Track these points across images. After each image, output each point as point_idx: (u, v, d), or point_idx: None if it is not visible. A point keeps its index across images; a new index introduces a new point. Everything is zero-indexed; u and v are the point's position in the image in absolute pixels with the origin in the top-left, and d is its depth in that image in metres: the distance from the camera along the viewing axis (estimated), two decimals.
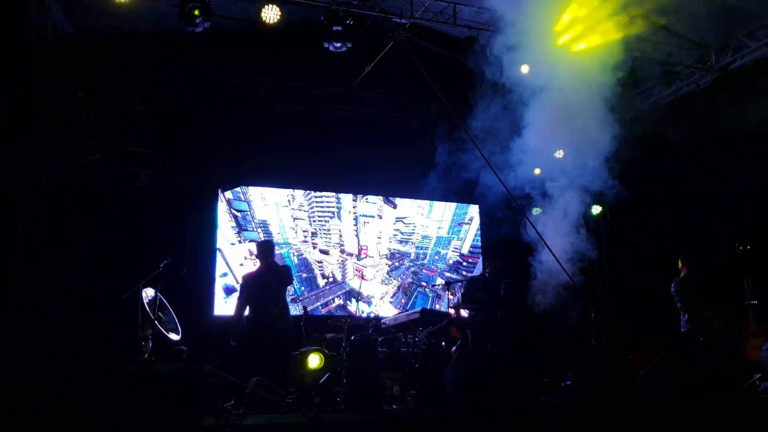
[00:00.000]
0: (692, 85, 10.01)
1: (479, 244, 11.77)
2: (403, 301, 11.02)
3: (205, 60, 9.84)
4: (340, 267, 10.79)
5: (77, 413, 3.99)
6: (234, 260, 10.06)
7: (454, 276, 11.21)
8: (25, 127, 8.03)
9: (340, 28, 8.23)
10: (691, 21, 8.89)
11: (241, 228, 10.26)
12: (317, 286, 10.56)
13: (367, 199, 11.22)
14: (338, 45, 8.29)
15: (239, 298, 7.12)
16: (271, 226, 10.45)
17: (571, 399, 6.19)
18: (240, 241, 10.21)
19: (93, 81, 9.60)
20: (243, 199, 10.37)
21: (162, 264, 6.90)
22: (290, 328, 7.09)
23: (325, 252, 10.75)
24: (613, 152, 8.36)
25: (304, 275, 10.49)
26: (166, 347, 6.80)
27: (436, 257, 11.50)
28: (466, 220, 11.79)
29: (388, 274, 11.08)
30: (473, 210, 11.84)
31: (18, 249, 7.60)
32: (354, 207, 11.11)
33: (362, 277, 10.82)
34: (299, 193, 10.74)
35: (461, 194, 10.81)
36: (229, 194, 10.28)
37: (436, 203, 11.63)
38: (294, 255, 10.41)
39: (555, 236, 8.08)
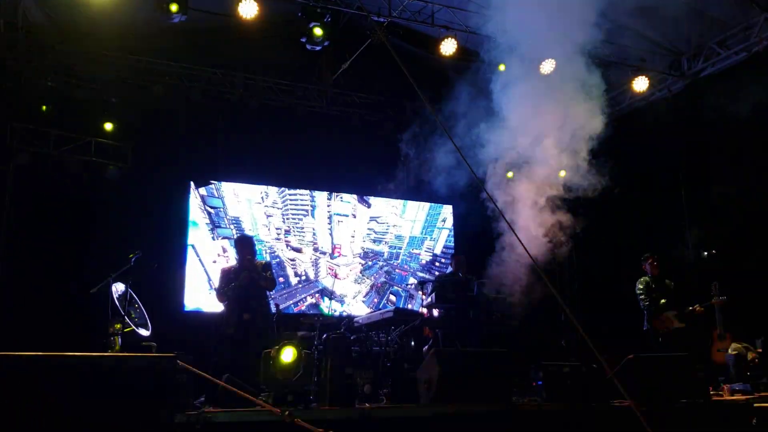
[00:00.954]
0: (664, 91, 10.19)
1: (452, 244, 11.81)
2: (375, 300, 11.00)
3: (179, 53, 9.73)
4: (313, 265, 10.73)
5: (44, 408, 3.90)
6: (207, 257, 9.95)
7: (427, 276, 11.23)
8: None
9: (317, 24, 8.20)
10: (663, 26, 9.06)
11: (214, 225, 10.15)
12: (289, 285, 10.49)
13: (341, 197, 11.18)
14: (317, 41, 8.26)
15: (218, 291, 7.06)
16: (244, 222, 10.35)
17: (541, 399, 6.23)
18: (213, 238, 10.09)
19: (64, 71, 9.45)
20: (216, 195, 10.25)
21: (133, 258, 6.77)
22: (272, 326, 7.07)
23: (298, 250, 10.69)
24: (587, 150, 8.44)
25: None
26: (136, 343, 6.66)
27: (408, 258, 11.51)
28: (440, 221, 11.82)
29: (361, 273, 11.05)
30: (446, 210, 11.88)
31: None
32: (328, 206, 11.06)
33: (335, 276, 10.78)
34: (273, 190, 10.65)
35: (435, 194, 10.84)
36: (203, 191, 10.16)
37: (409, 203, 11.65)
38: (266, 252, 10.32)
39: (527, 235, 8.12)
